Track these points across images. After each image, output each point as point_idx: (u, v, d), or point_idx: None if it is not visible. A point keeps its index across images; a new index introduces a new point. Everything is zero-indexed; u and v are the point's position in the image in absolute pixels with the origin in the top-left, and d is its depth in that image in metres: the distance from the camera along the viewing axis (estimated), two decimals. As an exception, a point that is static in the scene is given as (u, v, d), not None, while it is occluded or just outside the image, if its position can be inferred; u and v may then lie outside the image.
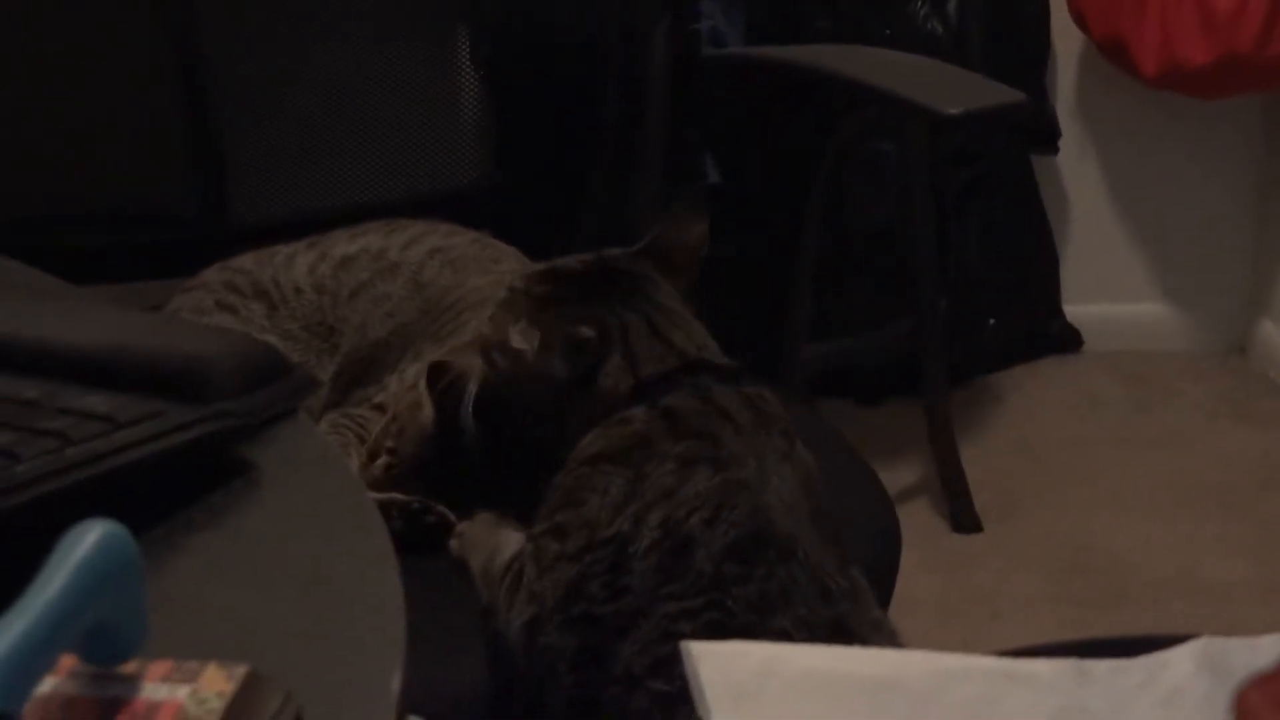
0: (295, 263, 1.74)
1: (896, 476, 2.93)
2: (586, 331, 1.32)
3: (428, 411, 1.46)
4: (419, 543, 1.40)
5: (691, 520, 1.22)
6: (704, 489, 1.23)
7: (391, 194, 1.98)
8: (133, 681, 0.58)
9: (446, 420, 1.43)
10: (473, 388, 1.39)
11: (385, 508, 1.41)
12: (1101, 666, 0.95)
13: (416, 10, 2.02)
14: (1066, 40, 3.39)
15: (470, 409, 1.39)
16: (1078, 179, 3.53)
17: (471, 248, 1.75)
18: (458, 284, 1.68)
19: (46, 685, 0.57)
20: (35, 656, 0.52)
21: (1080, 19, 3.27)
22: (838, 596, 1.22)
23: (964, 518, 2.85)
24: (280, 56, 1.93)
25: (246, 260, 1.76)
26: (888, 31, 3.07)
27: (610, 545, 1.23)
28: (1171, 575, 2.70)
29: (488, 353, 1.37)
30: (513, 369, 1.36)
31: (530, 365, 1.34)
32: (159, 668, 0.59)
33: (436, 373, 1.44)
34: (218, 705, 0.57)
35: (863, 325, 3.14)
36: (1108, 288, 3.59)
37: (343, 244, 1.76)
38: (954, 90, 2.08)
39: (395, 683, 0.63)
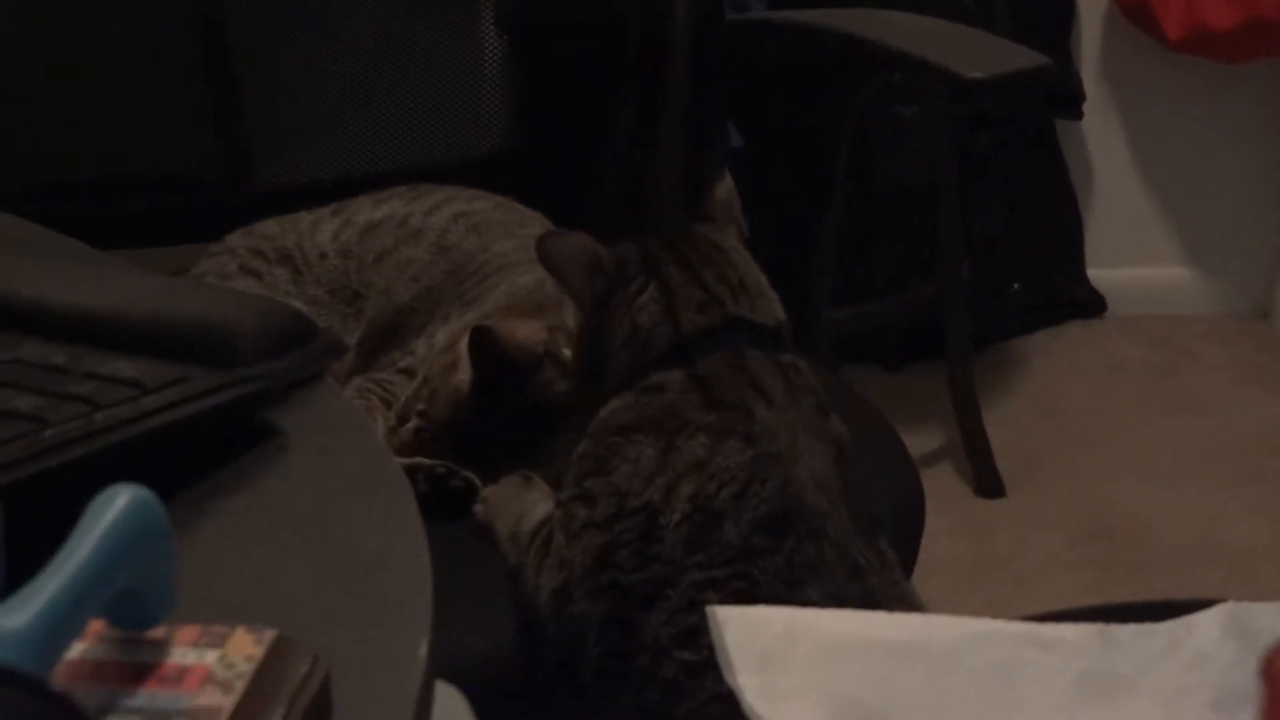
0: (320, 228, 1.74)
1: (920, 441, 2.93)
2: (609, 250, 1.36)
3: (463, 375, 1.46)
4: (444, 507, 1.40)
5: (722, 494, 1.22)
6: (735, 463, 1.23)
7: (415, 159, 1.97)
8: (161, 646, 0.58)
9: (484, 383, 1.44)
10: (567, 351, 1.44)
11: (410, 472, 1.41)
12: (1127, 631, 0.95)
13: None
14: (1091, 3, 3.38)
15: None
16: (1102, 143, 3.52)
17: (495, 212, 1.75)
18: (483, 248, 1.68)
19: (75, 650, 0.57)
20: (64, 621, 0.52)
21: (1105, -18, 3.26)
22: (865, 571, 1.22)
23: (987, 482, 2.85)
24: (304, 21, 1.93)
25: (270, 226, 1.76)
26: (911, -7, 3.05)
27: (640, 514, 1.23)
28: (1193, 539, 2.70)
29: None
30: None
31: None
32: (187, 632, 0.59)
33: (480, 337, 1.44)
34: (246, 669, 0.57)
35: (886, 290, 3.13)
36: (1131, 252, 3.58)
37: (367, 210, 1.75)
38: (977, 54, 2.07)
39: (423, 648, 0.63)
